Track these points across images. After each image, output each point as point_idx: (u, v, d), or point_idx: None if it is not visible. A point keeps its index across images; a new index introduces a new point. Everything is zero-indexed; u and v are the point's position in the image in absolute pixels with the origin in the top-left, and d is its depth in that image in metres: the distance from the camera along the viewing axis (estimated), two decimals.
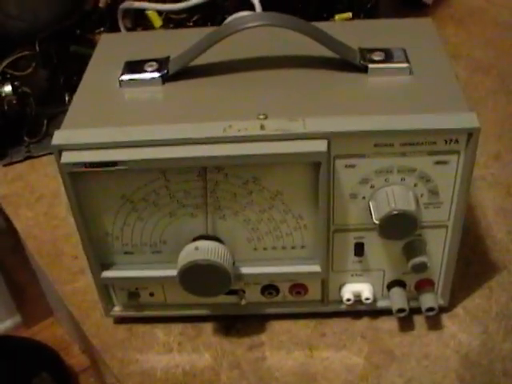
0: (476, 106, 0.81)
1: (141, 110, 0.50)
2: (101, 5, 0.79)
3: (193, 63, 0.51)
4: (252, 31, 0.49)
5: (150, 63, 0.52)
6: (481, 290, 0.59)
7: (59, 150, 0.47)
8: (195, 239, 0.51)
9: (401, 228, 0.49)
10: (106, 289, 0.56)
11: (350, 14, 0.86)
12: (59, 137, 0.47)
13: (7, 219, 1.28)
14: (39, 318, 1.61)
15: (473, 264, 0.61)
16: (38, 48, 0.77)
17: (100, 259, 0.53)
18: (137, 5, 0.80)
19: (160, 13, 0.81)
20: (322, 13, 0.86)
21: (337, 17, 0.85)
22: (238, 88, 0.51)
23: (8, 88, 0.76)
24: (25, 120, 0.79)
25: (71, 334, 1.56)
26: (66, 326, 1.57)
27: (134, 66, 0.53)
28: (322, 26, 0.52)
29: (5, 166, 0.78)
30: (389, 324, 0.57)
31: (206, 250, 0.50)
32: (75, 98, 0.52)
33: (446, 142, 0.47)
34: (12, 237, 1.34)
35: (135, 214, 0.50)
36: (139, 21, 0.81)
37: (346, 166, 0.48)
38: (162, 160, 0.46)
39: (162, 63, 0.52)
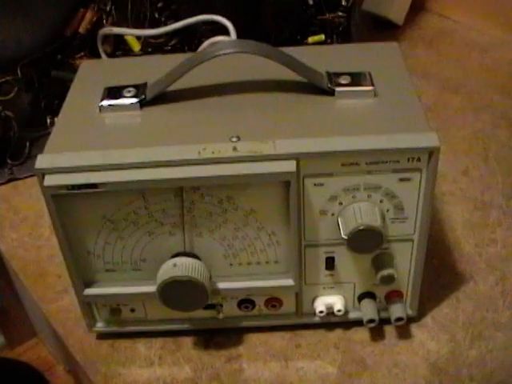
0: (445, 124, 0.85)
1: (120, 134, 0.52)
2: (81, 31, 0.82)
3: (169, 88, 0.54)
4: (225, 57, 0.52)
5: (128, 89, 0.54)
6: (448, 300, 0.62)
7: (42, 174, 0.49)
8: (173, 256, 0.53)
9: (368, 242, 0.51)
10: (88, 306, 0.58)
11: (322, 37, 0.89)
12: (42, 161, 0.49)
13: None
14: (23, 339, 1.61)
15: (441, 275, 0.64)
16: (20, 73, 0.79)
17: (82, 277, 0.55)
18: (116, 30, 0.82)
19: (139, 38, 0.83)
20: (296, 35, 0.89)
21: (310, 39, 0.88)
22: (212, 112, 0.53)
23: None
24: (8, 143, 0.81)
25: (55, 354, 1.56)
26: (50, 347, 1.57)
27: (113, 92, 0.55)
28: (293, 51, 0.54)
29: None
30: (361, 334, 0.59)
31: (183, 267, 0.52)
32: (57, 123, 0.54)
33: (408, 160, 0.49)
34: None
35: (116, 233, 0.52)
36: (118, 45, 0.84)
37: (314, 185, 0.50)
38: (140, 182, 0.48)
39: (139, 89, 0.54)
